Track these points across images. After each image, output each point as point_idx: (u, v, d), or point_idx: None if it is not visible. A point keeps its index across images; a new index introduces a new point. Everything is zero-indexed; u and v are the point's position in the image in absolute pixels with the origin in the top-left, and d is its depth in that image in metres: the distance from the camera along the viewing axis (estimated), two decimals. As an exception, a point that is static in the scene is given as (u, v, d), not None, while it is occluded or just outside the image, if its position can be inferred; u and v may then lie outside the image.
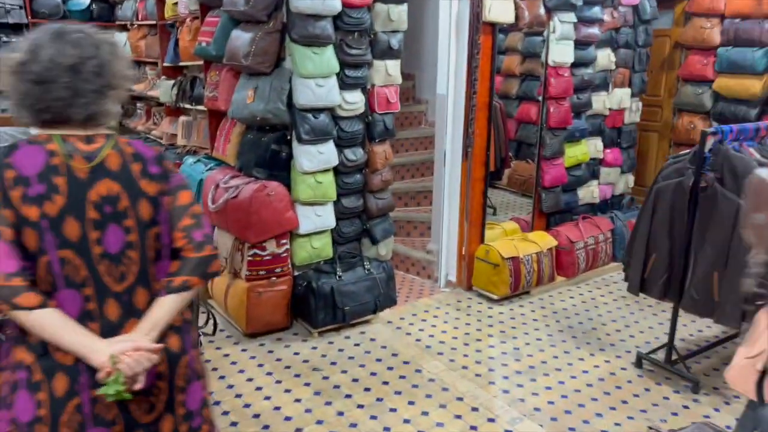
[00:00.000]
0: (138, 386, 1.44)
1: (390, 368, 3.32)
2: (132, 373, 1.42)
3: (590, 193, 4.99)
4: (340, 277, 3.54)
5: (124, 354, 1.42)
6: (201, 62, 4.20)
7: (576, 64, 4.56)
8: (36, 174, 1.40)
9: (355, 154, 3.60)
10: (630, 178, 5.34)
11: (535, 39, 4.95)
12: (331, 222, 3.61)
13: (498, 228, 4.71)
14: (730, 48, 5.04)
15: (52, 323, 1.40)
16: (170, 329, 1.55)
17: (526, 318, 4.04)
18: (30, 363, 1.45)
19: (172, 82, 4.86)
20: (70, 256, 1.43)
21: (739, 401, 3.09)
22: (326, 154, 3.47)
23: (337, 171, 3.60)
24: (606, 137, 5.00)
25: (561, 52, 4.43)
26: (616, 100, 4.95)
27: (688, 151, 3.23)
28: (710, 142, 2.99)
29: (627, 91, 5.03)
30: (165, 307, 1.50)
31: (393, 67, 3.67)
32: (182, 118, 4.86)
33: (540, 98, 4.97)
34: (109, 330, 1.48)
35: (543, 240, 4.50)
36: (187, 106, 4.63)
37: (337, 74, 3.44)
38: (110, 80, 1.48)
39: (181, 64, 4.73)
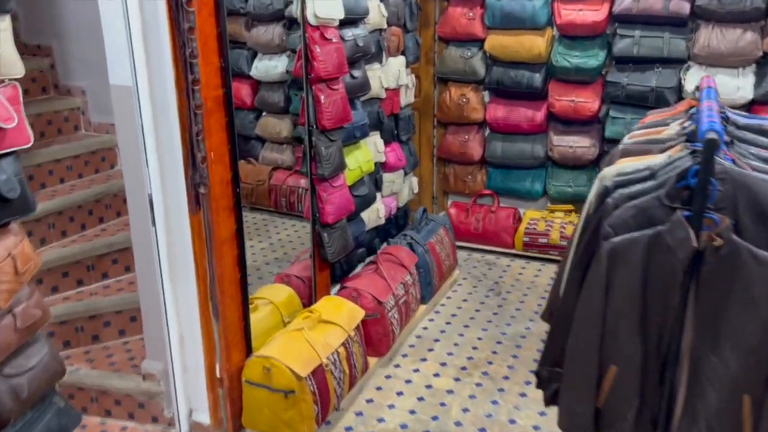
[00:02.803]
0: None
1: None
2: None
3: (375, 213, 3.39)
4: None
5: None
6: None
7: (344, 22, 2.81)
8: None
9: None
10: (414, 181, 3.89)
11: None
12: None
13: (263, 305, 2.77)
14: (501, -5, 3.91)
15: None
16: None
17: (361, 478, 2.28)
18: None
19: None
20: None
21: None
22: None
23: None
24: (384, 130, 3.41)
25: (326, 2, 2.61)
26: (393, 74, 3.37)
27: (642, 164, 1.79)
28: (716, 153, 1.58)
29: (402, 60, 3.49)
30: None
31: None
32: None
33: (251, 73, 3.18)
34: None
35: (343, 313, 2.73)
36: None
37: None
38: None
39: None
